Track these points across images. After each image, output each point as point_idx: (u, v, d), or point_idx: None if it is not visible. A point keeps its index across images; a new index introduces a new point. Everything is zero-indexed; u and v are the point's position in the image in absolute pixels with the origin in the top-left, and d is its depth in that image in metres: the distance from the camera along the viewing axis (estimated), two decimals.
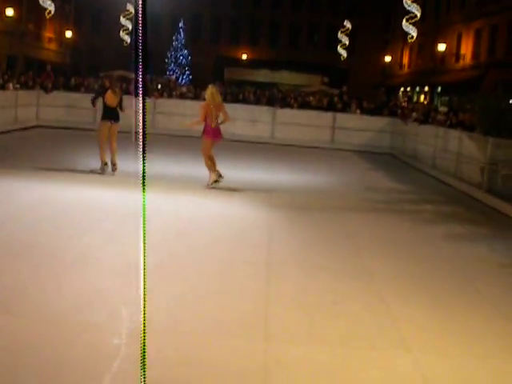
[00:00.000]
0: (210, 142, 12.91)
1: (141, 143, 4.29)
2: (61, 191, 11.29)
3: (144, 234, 3.46)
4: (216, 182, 12.76)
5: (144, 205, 4.78)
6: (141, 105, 4.25)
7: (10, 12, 37.08)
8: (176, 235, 8.73)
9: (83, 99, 23.92)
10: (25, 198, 10.55)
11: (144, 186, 4.75)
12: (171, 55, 55.60)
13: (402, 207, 12.87)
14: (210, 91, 13.07)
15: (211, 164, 12.89)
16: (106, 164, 13.35)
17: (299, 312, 6.05)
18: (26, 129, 21.63)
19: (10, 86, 23.46)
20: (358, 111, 25.60)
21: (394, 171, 18.64)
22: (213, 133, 12.85)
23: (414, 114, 22.82)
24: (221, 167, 12.99)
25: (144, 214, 3.56)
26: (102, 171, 13.32)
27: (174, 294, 6.26)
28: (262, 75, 54.13)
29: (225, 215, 10.37)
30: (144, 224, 3.59)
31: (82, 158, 15.70)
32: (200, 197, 11.77)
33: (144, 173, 4.54)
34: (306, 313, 6.05)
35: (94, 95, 14.16)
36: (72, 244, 7.78)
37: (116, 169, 13.48)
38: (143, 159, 4.47)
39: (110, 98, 13.56)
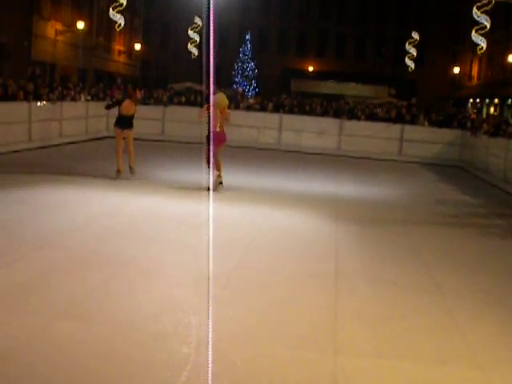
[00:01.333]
0: (217, 148, 12.98)
1: (207, 153, 4.34)
2: (128, 201, 11.50)
3: (210, 244, 3.48)
4: (219, 184, 12.94)
5: (210, 215, 4.82)
6: (211, 115, 4.29)
7: (80, 25, 37.94)
8: (244, 246, 8.74)
9: (151, 111, 24.39)
10: (94, 207, 10.76)
11: (211, 196, 4.79)
12: (238, 67, 56.01)
13: (473, 221, 12.62)
14: (219, 95, 13.29)
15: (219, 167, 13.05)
16: (119, 171, 13.69)
17: (368, 325, 5.99)
18: (96, 139, 22.10)
19: (82, 97, 24.02)
20: (426, 123, 25.25)
21: (464, 184, 18.30)
22: (217, 138, 12.85)
23: (485, 126, 22.36)
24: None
25: (210, 224, 3.60)
26: (116, 177, 13.64)
27: (243, 305, 6.27)
28: (329, 87, 53.97)
29: (292, 227, 10.35)
30: (210, 234, 3.63)
31: (149, 168, 15.94)
32: (268, 208, 11.77)
33: (210, 184, 4.59)
34: (375, 326, 5.98)
35: (110, 102, 14.42)
36: (142, 254, 7.89)
37: (134, 172, 13.85)
38: (209, 170, 4.51)
39: (127, 107, 13.83)
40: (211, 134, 12.63)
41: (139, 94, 14.82)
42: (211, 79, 3.96)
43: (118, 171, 13.69)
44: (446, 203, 14.36)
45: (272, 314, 6.11)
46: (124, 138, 13.94)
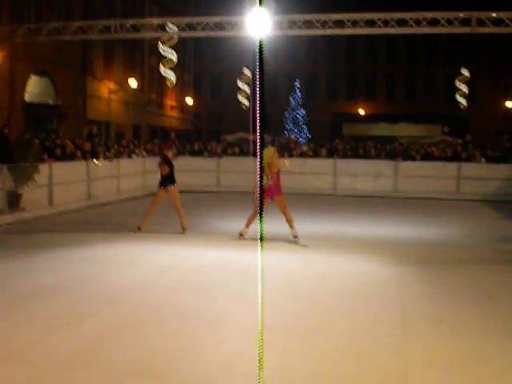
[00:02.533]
0: (267, 200, 12.90)
1: (258, 203, 4.33)
2: (190, 254, 11.57)
3: (262, 294, 3.45)
4: (241, 235, 13.11)
5: (262, 265, 4.80)
6: (258, 166, 4.29)
7: (133, 84, 38.78)
8: (307, 294, 8.66)
9: (206, 163, 24.69)
10: (154, 261, 10.86)
11: (261, 246, 4.77)
12: (289, 114, 56.40)
13: None
14: (270, 151, 13.32)
15: (252, 219, 13.10)
16: (139, 229, 13.78)
17: (439, 372, 5.82)
18: (154, 194, 22.36)
19: (137, 154, 24.52)
20: (483, 160, 24.89)
21: None
22: (269, 192, 12.85)
23: None
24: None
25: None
26: (135, 231, 13.76)
27: (309, 355, 6.18)
28: (380, 129, 53.82)
29: (355, 272, 10.22)
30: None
31: (208, 219, 16.04)
32: (329, 254, 11.70)
33: (262, 233, 4.58)
34: (447, 372, 5.81)
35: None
36: (206, 305, 7.88)
37: (185, 230, 13.80)
38: (260, 219, 4.50)
39: (162, 169, 14.05)
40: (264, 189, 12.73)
41: (171, 155, 15.05)
42: (258, 130, 3.97)
43: (139, 228, 13.82)
44: (509, 240, 14.01)
45: (340, 363, 6.00)
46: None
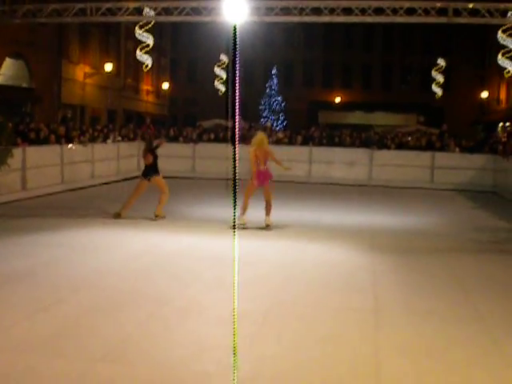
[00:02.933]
0: (256, 186, 12.99)
1: (233, 190, 4.33)
2: (165, 240, 11.53)
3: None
4: (241, 224, 12.67)
5: (236, 252, 4.80)
6: (236, 152, 4.28)
7: (108, 67, 38.55)
8: (281, 282, 8.69)
9: (182, 149, 24.63)
10: (130, 246, 10.83)
11: (234, 232, 4.78)
12: (265, 102, 56.32)
13: (511, 247, 12.41)
14: (260, 137, 13.28)
15: (245, 207, 12.94)
16: (119, 215, 13.56)
17: (410, 359, 5.87)
18: (127, 179, 22.26)
19: (111, 138, 24.36)
20: (457, 150, 25.07)
21: (500, 209, 18.04)
22: (261, 177, 12.93)
23: None
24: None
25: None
26: (114, 217, 13.54)
27: (282, 342, 6.20)
28: (356, 117, 53.98)
29: (328, 260, 10.27)
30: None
31: (183, 206, 16.01)
32: (302, 242, 11.73)
33: (234, 219, 4.58)
34: (418, 360, 5.86)
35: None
36: (179, 292, 7.88)
37: (157, 217, 13.57)
38: (234, 206, 4.51)
39: (146, 158, 13.94)
40: (257, 173, 12.78)
41: (160, 143, 14.82)
42: (236, 116, 3.95)
43: (119, 214, 13.60)
44: (482, 230, 14.15)
45: (312, 350, 6.02)
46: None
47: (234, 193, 4.30)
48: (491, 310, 7.56)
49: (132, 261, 9.70)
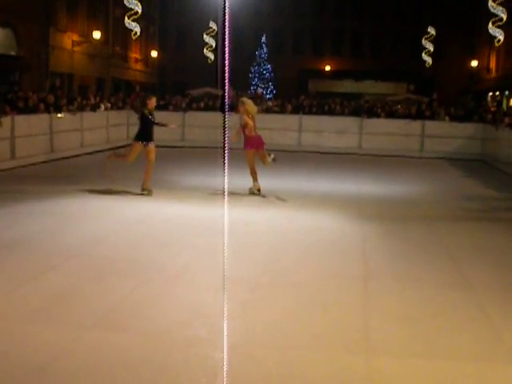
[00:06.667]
0: (254, 151, 13.18)
1: (225, 158, 4.35)
2: (155, 209, 11.56)
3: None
4: (258, 191, 13.20)
5: (225, 219, 4.84)
6: (226, 120, 4.30)
7: (97, 35, 38.26)
8: (271, 250, 8.74)
9: (171, 117, 24.53)
10: (122, 215, 10.86)
11: (226, 200, 4.82)
12: (255, 70, 56.03)
13: (499, 215, 12.52)
14: (250, 102, 13.52)
15: (255, 175, 13.29)
16: (150, 191, 12.92)
17: (399, 325, 5.95)
18: (117, 148, 22.19)
19: (102, 106, 24.17)
20: (447, 118, 25.10)
21: (488, 178, 18.15)
22: (255, 142, 13.15)
23: (507, 120, 22.14)
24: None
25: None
26: (147, 193, 12.88)
27: (273, 309, 6.27)
28: (347, 86, 53.83)
29: (317, 228, 10.33)
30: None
31: (173, 175, 16.02)
32: (292, 210, 11.78)
33: (226, 187, 4.62)
34: (407, 325, 5.95)
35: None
36: (171, 260, 7.94)
37: (143, 190, 12.89)
38: (226, 174, 4.54)
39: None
40: (249, 139, 12.88)
41: (150, 104, 13.77)
42: (226, 85, 3.96)
43: (150, 190, 12.92)
44: (471, 198, 14.24)
45: (303, 316, 6.10)
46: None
47: (226, 161, 4.32)
48: (478, 277, 7.63)
49: (124, 229, 9.72)
